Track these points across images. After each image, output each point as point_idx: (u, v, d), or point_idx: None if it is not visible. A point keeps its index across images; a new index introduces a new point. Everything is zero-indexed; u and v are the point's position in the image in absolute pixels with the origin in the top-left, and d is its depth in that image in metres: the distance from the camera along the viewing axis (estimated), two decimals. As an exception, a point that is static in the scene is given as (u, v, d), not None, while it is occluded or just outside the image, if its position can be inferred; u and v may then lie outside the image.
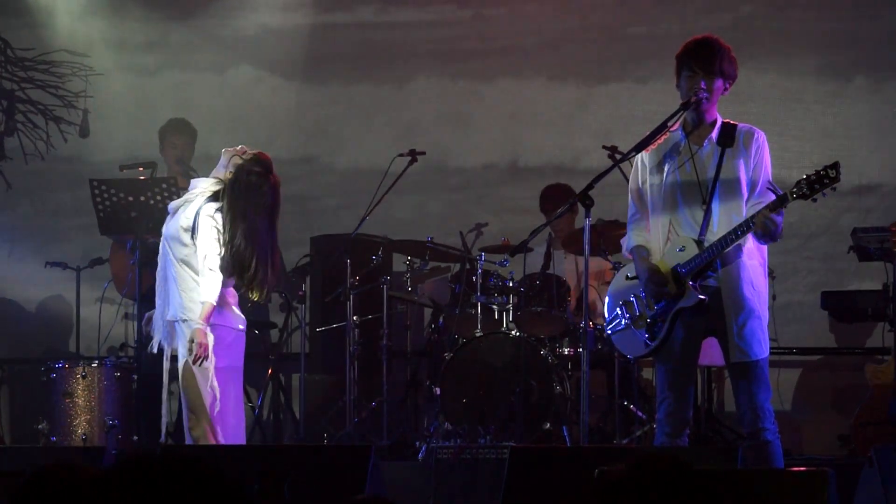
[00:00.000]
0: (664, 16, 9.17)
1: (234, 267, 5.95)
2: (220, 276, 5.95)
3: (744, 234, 5.30)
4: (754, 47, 8.51)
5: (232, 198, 5.97)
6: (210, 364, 5.98)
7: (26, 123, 9.58)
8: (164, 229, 6.16)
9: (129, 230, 7.64)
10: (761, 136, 5.51)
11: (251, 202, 5.95)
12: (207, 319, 5.96)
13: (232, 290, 6.10)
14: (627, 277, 5.68)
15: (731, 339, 5.39)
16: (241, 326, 6.13)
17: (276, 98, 9.71)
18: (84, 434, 7.48)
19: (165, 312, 6.09)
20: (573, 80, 9.37)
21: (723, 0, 9.14)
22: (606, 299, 5.81)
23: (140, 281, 7.43)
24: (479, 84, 9.51)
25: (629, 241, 5.62)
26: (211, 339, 5.97)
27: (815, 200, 5.29)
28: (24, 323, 9.74)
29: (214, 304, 5.95)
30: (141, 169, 8.07)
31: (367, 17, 9.67)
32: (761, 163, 5.46)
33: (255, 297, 6.13)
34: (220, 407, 6.00)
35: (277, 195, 6.06)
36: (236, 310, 6.12)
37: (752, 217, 5.26)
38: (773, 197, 5.32)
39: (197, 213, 6.01)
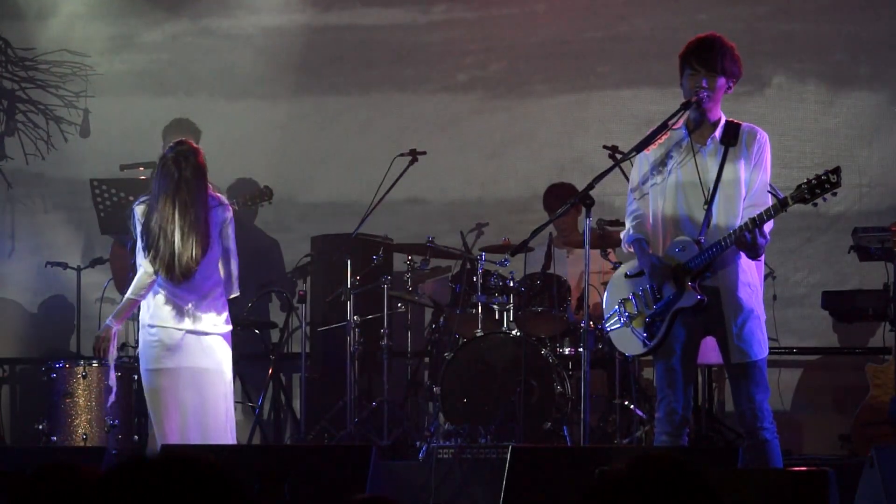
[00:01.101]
0: (666, 16, 9.16)
1: (148, 251, 5.93)
2: (145, 271, 5.92)
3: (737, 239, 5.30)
4: (756, 47, 8.50)
5: (153, 188, 6.01)
6: (110, 360, 6.00)
7: (26, 123, 9.58)
8: None
9: (130, 230, 7.63)
10: (763, 137, 5.49)
11: (161, 187, 5.95)
12: (119, 315, 6.00)
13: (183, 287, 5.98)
14: (627, 275, 5.66)
15: (730, 340, 5.38)
16: (195, 326, 5.97)
17: (277, 98, 9.70)
18: (84, 434, 7.48)
19: None
20: (574, 80, 9.37)
21: (725, 0, 9.13)
22: (605, 296, 5.80)
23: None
24: (481, 85, 9.51)
25: (630, 234, 5.60)
26: (115, 334, 5.99)
27: (815, 205, 5.28)
28: (24, 323, 9.73)
29: (134, 298, 5.95)
30: (141, 169, 8.07)
31: (369, 18, 9.66)
32: (761, 163, 5.44)
33: (166, 277, 5.94)
34: (163, 411, 5.94)
35: (189, 172, 5.93)
36: (180, 307, 5.98)
37: (737, 229, 5.25)
38: (769, 201, 5.32)
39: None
